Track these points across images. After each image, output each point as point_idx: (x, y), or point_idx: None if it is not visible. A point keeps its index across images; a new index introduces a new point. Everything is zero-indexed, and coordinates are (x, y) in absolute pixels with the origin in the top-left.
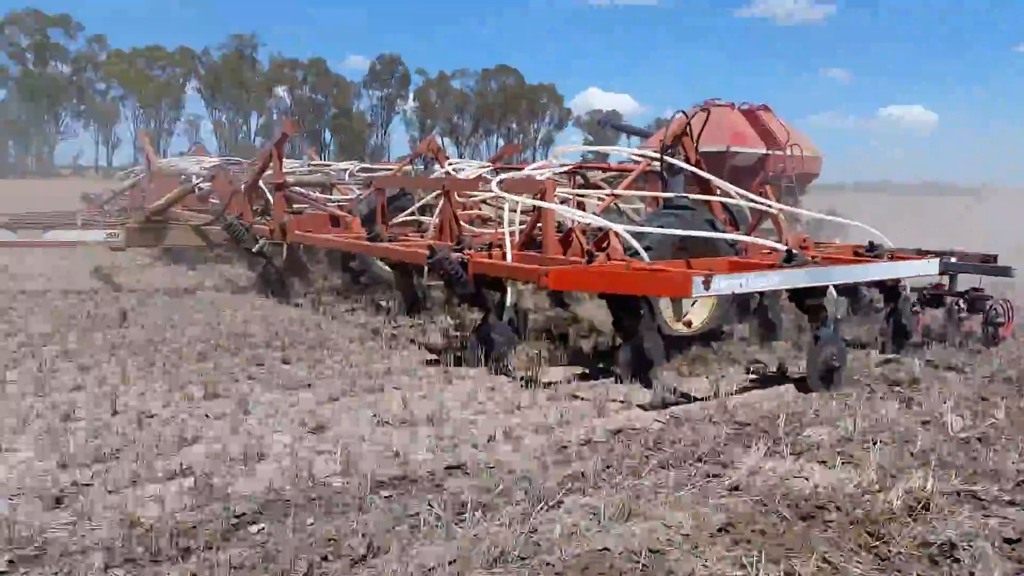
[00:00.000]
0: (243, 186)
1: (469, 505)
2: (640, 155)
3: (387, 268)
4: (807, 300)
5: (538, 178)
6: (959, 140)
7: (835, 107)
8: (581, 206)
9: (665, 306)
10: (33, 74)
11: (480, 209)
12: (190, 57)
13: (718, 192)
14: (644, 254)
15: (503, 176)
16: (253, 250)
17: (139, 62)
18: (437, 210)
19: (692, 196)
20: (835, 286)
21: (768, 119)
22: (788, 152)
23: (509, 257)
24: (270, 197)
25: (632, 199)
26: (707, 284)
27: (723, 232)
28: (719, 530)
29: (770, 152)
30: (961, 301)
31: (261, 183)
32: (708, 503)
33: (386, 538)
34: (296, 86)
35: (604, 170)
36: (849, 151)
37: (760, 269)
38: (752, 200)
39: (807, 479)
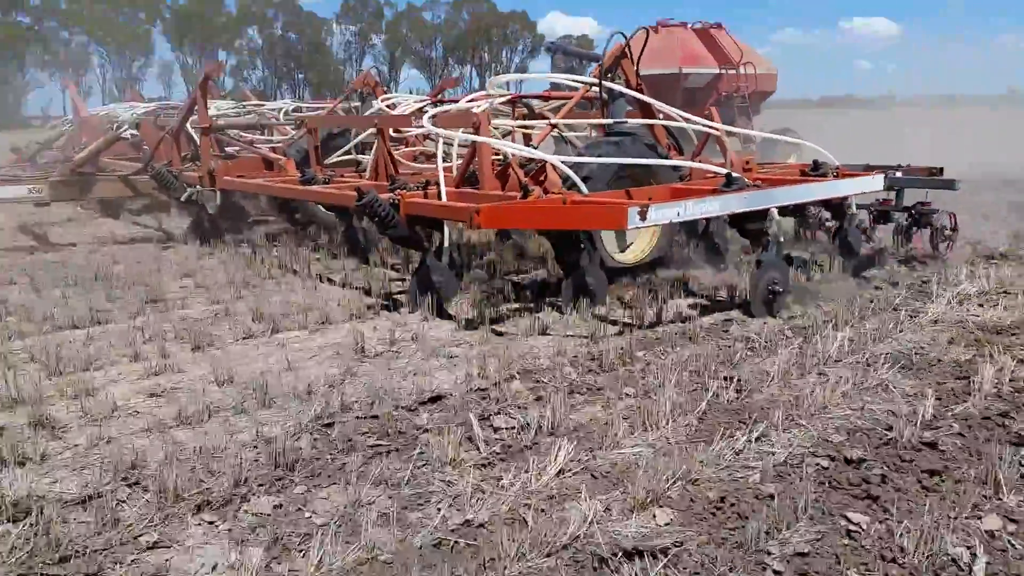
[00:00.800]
0: (170, 132)
1: None
2: (578, 81)
3: (331, 212)
4: (747, 224)
5: (474, 110)
6: (922, 49)
7: (795, 23)
8: (528, 139)
9: (608, 237)
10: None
11: (424, 145)
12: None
13: (660, 116)
14: (582, 185)
15: (435, 110)
16: (181, 199)
17: (101, 8)
18: (374, 148)
19: (632, 121)
20: (779, 208)
21: (721, 37)
22: (742, 71)
23: (444, 196)
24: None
25: (583, 128)
26: (643, 215)
27: (665, 158)
28: None
29: (723, 71)
30: (906, 216)
31: (190, 128)
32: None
33: None
34: (266, 25)
35: (546, 99)
36: (812, 65)
37: (701, 195)
38: (695, 122)
39: None
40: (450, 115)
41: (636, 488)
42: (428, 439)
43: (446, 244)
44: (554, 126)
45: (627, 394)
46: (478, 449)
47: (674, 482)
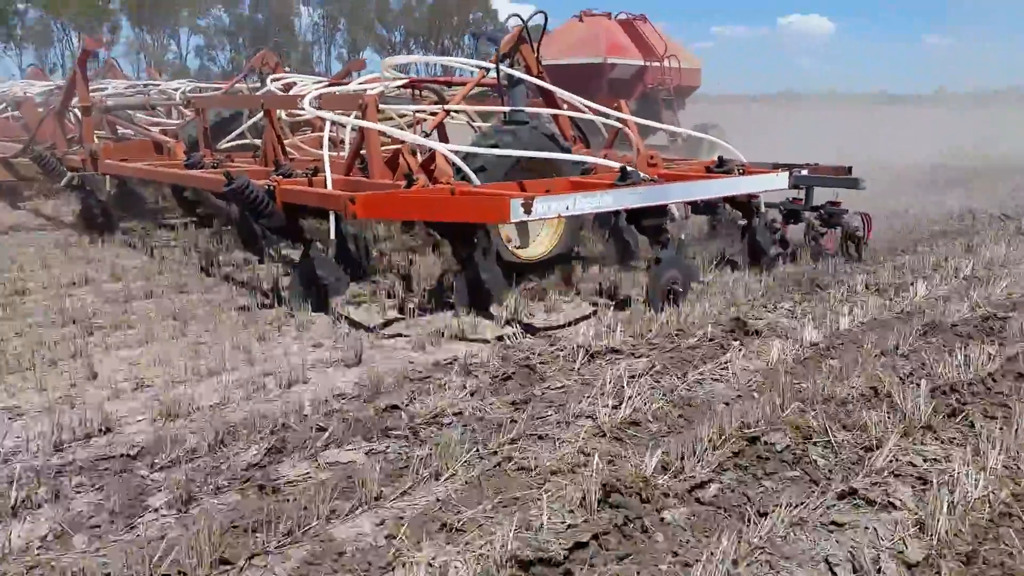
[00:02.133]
0: (52, 112)
1: None
2: (475, 65)
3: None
4: (643, 221)
5: (369, 93)
6: (856, 48)
7: (734, 19)
8: (443, 129)
9: (509, 232)
10: None
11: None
12: None
13: (564, 106)
14: (473, 176)
15: (319, 91)
16: (61, 183)
17: None
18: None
19: (530, 110)
20: (690, 205)
21: (645, 29)
22: (667, 64)
23: (329, 183)
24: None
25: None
26: (527, 208)
27: (567, 150)
28: None
29: (648, 63)
30: (815, 216)
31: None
32: None
33: None
34: (233, 5)
35: (448, 84)
36: (751, 61)
37: (597, 189)
38: (601, 113)
39: None
40: (337, 97)
41: None
42: None
43: (332, 236)
44: (448, 112)
45: None
46: None
47: None
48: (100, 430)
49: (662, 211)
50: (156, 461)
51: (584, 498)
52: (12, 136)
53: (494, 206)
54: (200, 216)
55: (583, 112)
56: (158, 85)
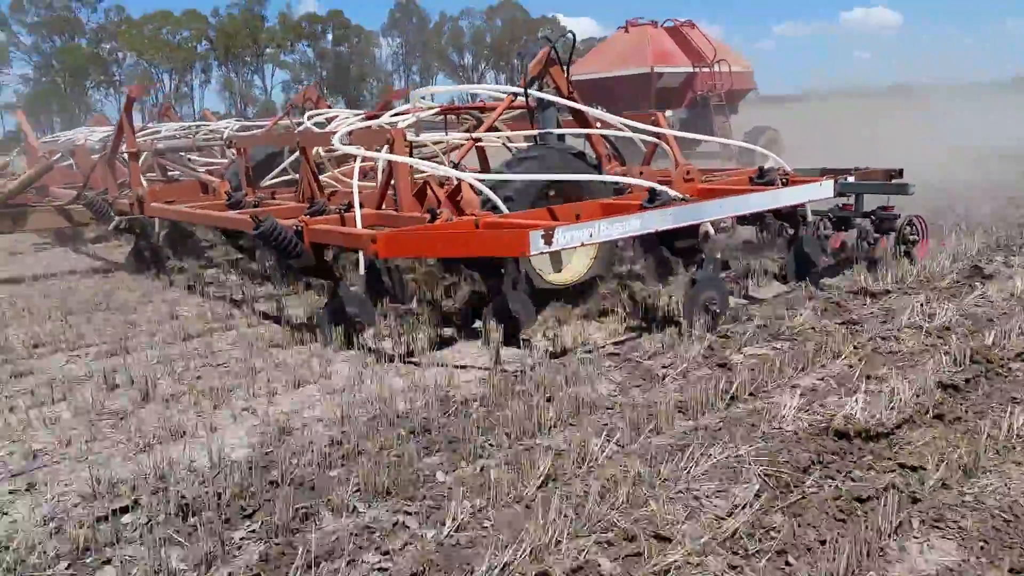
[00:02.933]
0: (101, 158)
1: None
2: (502, 91)
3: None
4: (676, 243)
5: (400, 126)
6: (925, 40)
7: (795, 16)
8: (483, 155)
9: (542, 259)
10: (65, 50)
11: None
12: (199, 19)
13: (597, 124)
14: (501, 205)
15: (349, 127)
16: (110, 227)
17: (147, 29)
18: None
19: (557, 131)
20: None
21: (693, 35)
22: (716, 68)
23: (359, 219)
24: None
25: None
26: (548, 239)
27: (597, 168)
28: None
29: (697, 69)
30: (868, 222)
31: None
32: None
33: None
34: (316, 39)
35: (481, 110)
36: (812, 59)
37: (627, 212)
38: (636, 129)
39: None
40: (368, 132)
41: None
42: None
43: (362, 271)
44: (476, 140)
45: None
46: None
47: None
48: None
49: (695, 230)
50: None
51: (956, 360)
52: (69, 183)
53: (513, 240)
54: (248, 251)
55: (619, 129)
56: (207, 125)
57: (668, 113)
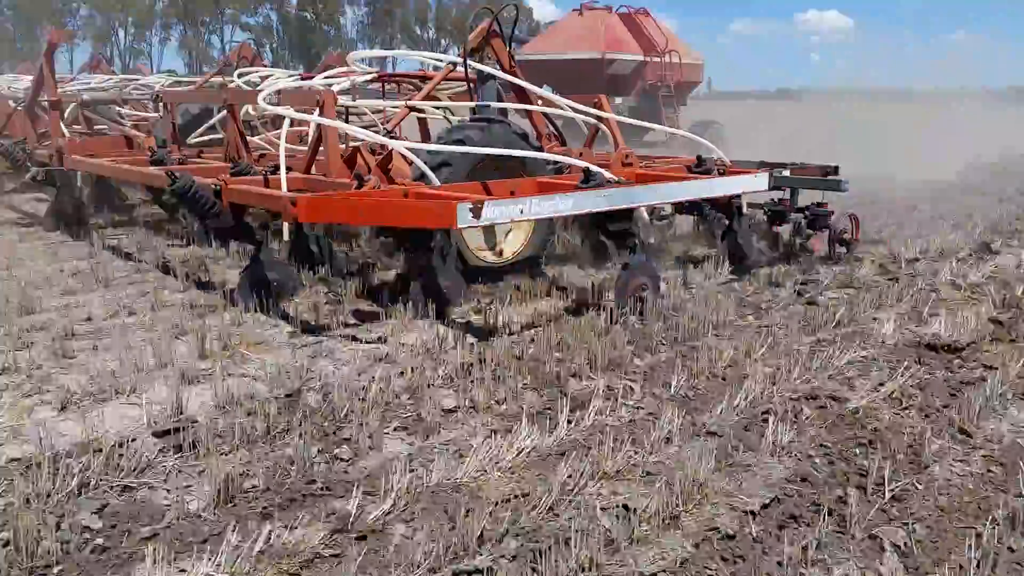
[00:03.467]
0: (21, 106)
1: None
2: (442, 59)
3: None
4: (609, 225)
5: (334, 88)
6: (874, 44)
7: (751, 12)
8: (424, 125)
9: (474, 234)
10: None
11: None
12: None
13: (539, 102)
14: (432, 176)
15: (276, 86)
16: (26, 178)
17: None
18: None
19: (496, 105)
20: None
21: (647, 24)
22: (668, 59)
23: (284, 183)
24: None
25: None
26: (476, 213)
27: (538, 148)
28: None
29: (649, 59)
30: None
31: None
32: None
33: None
34: (280, 2)
35: (421, 79)
36: (765, 58)
37: (561, 191)
38: (578, 110)
39: None
40: (298, 93)
41: None
42: None
43: (286, 236)
44: (412, 108)
45: None
46: None
47: None
48: None
49: (629, 215)
50: None
51: (994, 304)
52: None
53: (440, 211)
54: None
55: (561, 109)
56: (138, 79)
57: (617, 100)
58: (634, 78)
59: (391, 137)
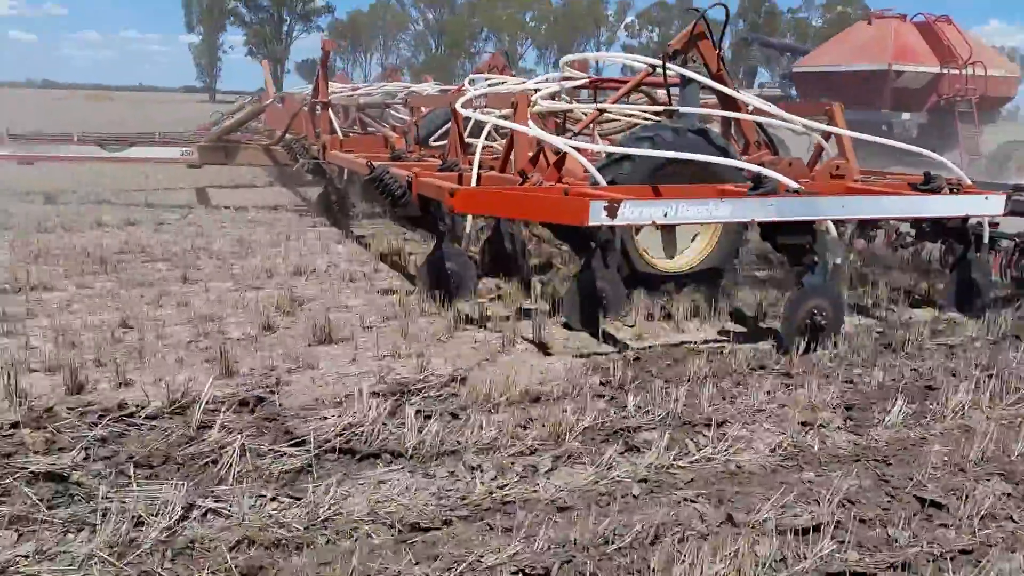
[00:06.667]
0: (304, 106)
1: None
2: (641, 61)
3: None
4: (779, 237)
5: (542, 93)
6: None
7: None
8: None
9: (654, 240)
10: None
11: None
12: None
13: (749, 109)
14: (598, 176)
15: (483, 91)
16: (294, 168)
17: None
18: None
19: (684, 110)
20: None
21: (948, 32)
22: (969, 71)
23: (474, 179)
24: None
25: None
26: (612, 212)
27: (735, 157)
28: None
29: (945, 71)
30: None
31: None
32: None
33: None
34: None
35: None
36: None
37: (710, 196)
38: (788, 120)
39: None
40: (501, 96)
41: None
42: None
43: (468, 229)
44: (602, 111)
45: None
46: None
47: None
48: None
49: (806, 228)
50: None
51: None
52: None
53: (572, 207)
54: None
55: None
56: (410, 87)
57: (905, 116)
58: (926, 92)
59: (571, 138)
